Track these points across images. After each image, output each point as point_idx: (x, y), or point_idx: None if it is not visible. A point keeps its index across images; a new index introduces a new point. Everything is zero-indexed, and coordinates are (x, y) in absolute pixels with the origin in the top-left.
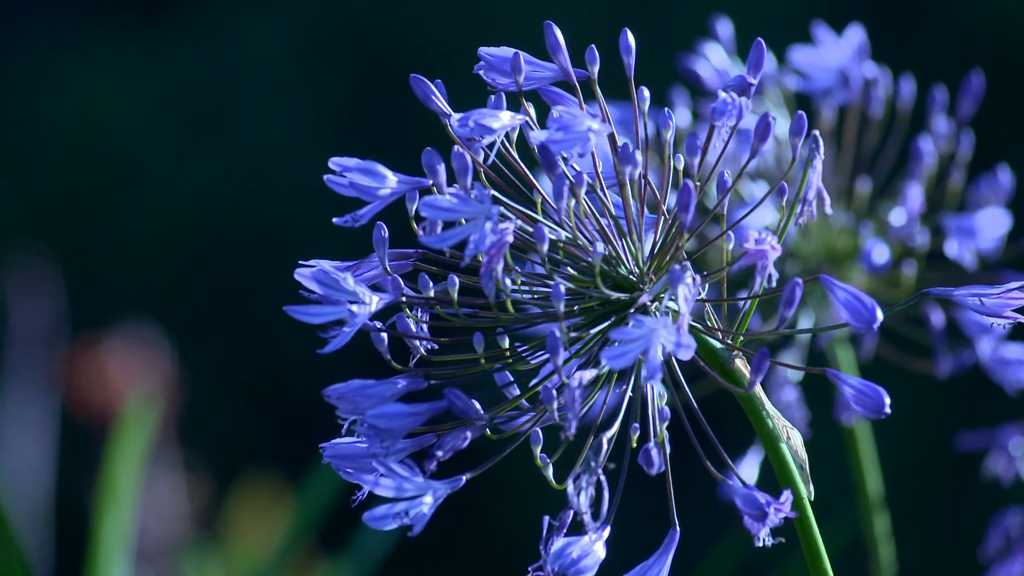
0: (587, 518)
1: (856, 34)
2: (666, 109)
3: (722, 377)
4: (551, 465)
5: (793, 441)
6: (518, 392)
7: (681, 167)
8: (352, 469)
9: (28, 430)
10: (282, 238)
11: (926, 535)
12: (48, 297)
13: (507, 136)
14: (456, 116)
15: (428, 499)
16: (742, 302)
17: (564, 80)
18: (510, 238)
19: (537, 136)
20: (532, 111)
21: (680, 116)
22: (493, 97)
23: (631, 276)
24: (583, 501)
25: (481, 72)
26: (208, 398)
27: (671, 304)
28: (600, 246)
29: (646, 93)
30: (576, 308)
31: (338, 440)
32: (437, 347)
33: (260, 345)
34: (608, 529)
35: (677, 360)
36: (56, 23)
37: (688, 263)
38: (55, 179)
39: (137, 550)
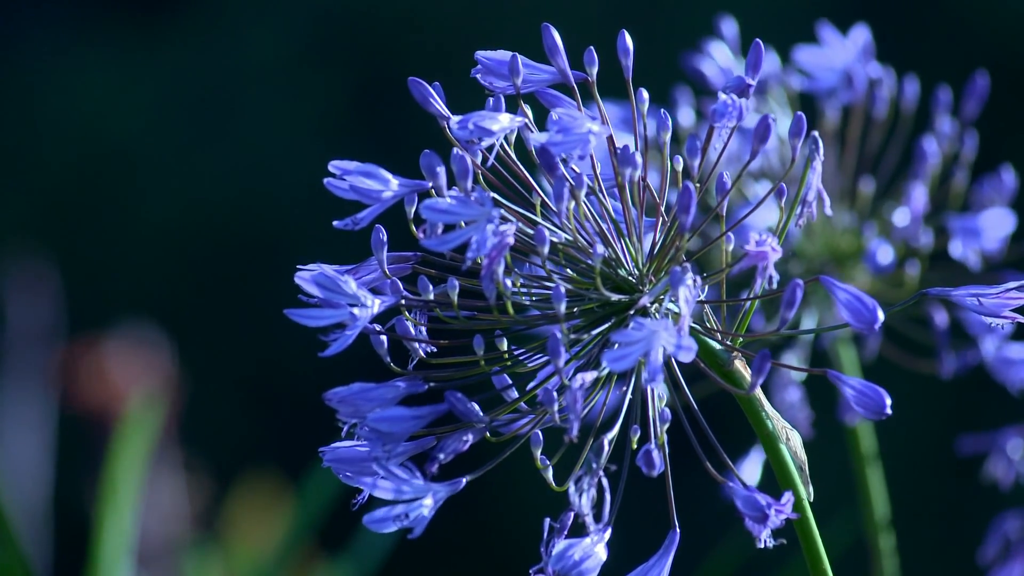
0: (588, 520)
1: (861, 34)
2: (663, 110)
3: (722, 378)
4: (551, 467)
5: (793, 442)
6: (518, 394)
7: (681, 168)
8: (352, 473)
9: (26, 430)
10: (282, 239)
11: (927, 536)
12: (46, 296)
13: (506, 138)
14: (455, 118)
15: (428, 501)
16: (742, 303)
17: (563, 83)
18: (511, 240)
19: (537, 138)
20: (530, 113)
21: (684, 116)
22: (491, 100)
23: (631, 278)
24: (584, 503)
25: (478, 76)
26: (208, 398)
27: (671, 306)
28: (600, 248)
29: (645, 94)
30: (576, 310)
31: (337, 444)
32: (437, 350)
33: (260, 345)
34: (609, 531)
35: (677, 362)
36: (56, 23)
37: (688, 265)
38: (54, 178)
39: (137, 551)
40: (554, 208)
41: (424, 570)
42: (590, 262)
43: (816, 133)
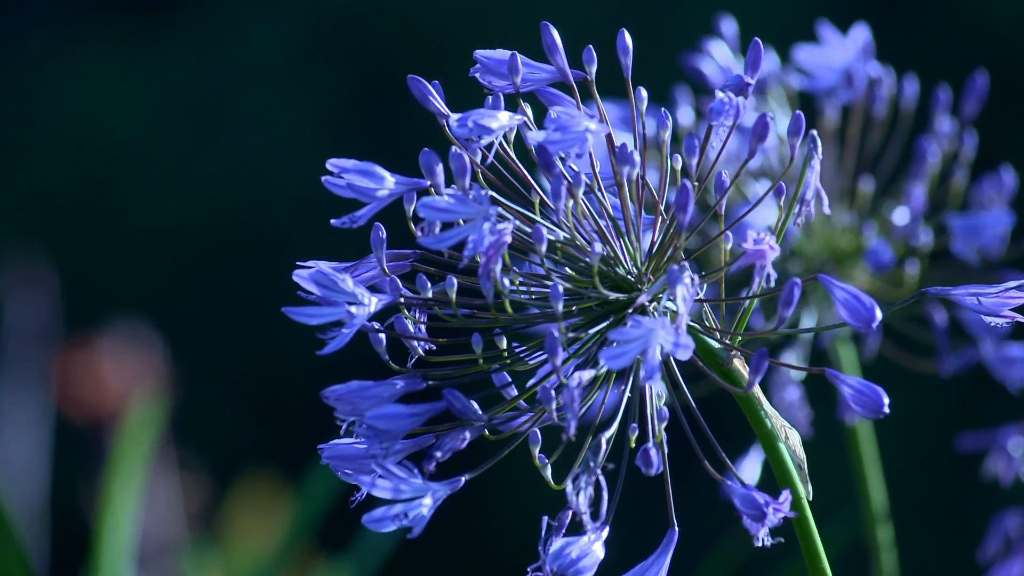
0: (586, 518)
1: (861, 33)
2: (663, 109)
3: (721, 377)
4: (550, 465)
5: (791, 441)
6: (516, 392)
7: (679, 167)
8: (351, 470)
9: (23, 428)
10: (280, 238)
11: (927, 535)
12: (44, 295)
13: (505, 137)
14: (454, 117)
15: (427, 500)
16: (741, 302)
17: (562, 81)
18: (508, 238)
19: (535, 137)
20: (530, 112)
21: (684, 115)
22: (491, 98)
23: (629, 276)
24: (582, 501)
25: (477, 75)
26: (207, 397)
27: (669, 304)
28: (598, 246)
29: (644, 93)
30: (574, 308)
31: (337, 441)
32: (435, 348)
33: (259, 344)
34: (607, 529)
35: (675, 360)
36: (56, 23)
37: (686, 263)
38: (52, 178)
39: (136, 551)
40: (552, 206)
41: (424, 569)
42: (588, 260)
43: (815, 132)
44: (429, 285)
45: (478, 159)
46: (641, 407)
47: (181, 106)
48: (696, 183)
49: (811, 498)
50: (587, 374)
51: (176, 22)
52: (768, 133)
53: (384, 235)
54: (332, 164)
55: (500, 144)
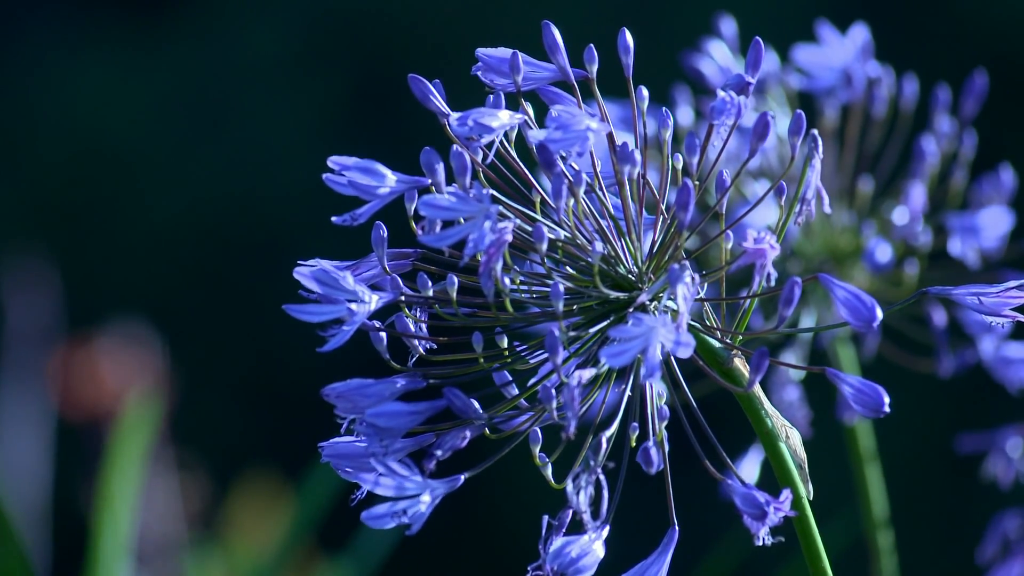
0: (586, 517)
1: (860, 33)
2: (664, 108)
3: (721, 376)
4: (550, 464)
5: (792, 440)
6: (517, 391)
7: (680, 166)
8: (351, 468)
9: (24, 428)
10: (280, 237)
11: (926, 535)
12: (45, 296)
13: (506, 135)
14: (455, 115)
15: (426, 498)
16: (741, 301)
17: (563, 80)
18: (509, 237)
19: (536, 135)
20: (531, 110)
21: (683, 115)
22: (491, 96)
23: (630, 275)
24: (582, 500)
25: (479, 73)
26: (207, 397)
27: (670, 303)
28: (599, 245)
29: (645, 92)
30: (575, 307)
31: (337, 439)
32: (436, 346)
33: (259, 343)
34: (607, 528)
35: (676, 359)
36: (56, 23)
37: (687, 262)
38: (53, 178)
39: (136, 551)
40: (553, 205)
41: (424, 568)
42: (589, 259)
43: (815, 131)
44: (430, 284)
45: (479, 158)
46: (642, 406)
47: (182, 106)
48: (697, 182)
49: (812, 498)
50: (588, 373)
51: (177, 21)
52: (769, 132)
53: (385, 233)
54: (333, 161)
55: (501, 143)
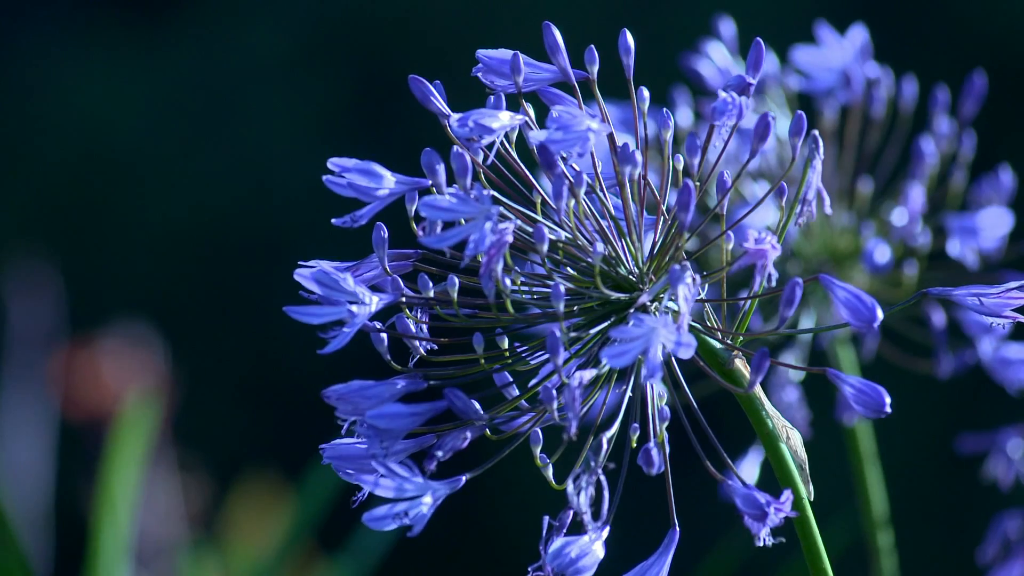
0: (587, 518)
1: (859, 34)
2: (665, 109)
3: (722, 377)
4: (551, 465)
5: (793, 441)
6: (518, 392)
7: (681, 167)
8: (352, 470)
9: (26, 430)
10: (281, 238)
11: (927, 536)
12: (47, 297)
13: (506, 136)
14: (455, 116)
15: (427, 499)
16: (742, 302)
17: (563, 81)
18: (510, 238)
19: (536, 136)
20: (531, 111)
21: (682, 116)
22: (492, 98)
23: (631, 276)
24: (583, 501)
25: (479, 75)
26: (207, 397)
27: (671, 304)
28: (600, 246)
29: (646, 93)
30: (576, 308)
31: (338, 441)
32: (437, 347)
33: (259, 344)
34: (607, 529)
35: (677, 360)
36: (56, 23)
37: (688, 263)
38: (55, 180)
39: (135, 551)
40: (554, 206)
41: (424, 569)
42: (590, 260)
43: (816, 132)
44: (431, 285)
45: (480, 159)
46: (642, 407)
47: (183, 107)
48: (698, 183)
49: (812, 498)
50: (588, 374)
51: (178, 22)
52: (770, 133)
53: (386, 234)
54: (333, 163)
55: (501, 144)
